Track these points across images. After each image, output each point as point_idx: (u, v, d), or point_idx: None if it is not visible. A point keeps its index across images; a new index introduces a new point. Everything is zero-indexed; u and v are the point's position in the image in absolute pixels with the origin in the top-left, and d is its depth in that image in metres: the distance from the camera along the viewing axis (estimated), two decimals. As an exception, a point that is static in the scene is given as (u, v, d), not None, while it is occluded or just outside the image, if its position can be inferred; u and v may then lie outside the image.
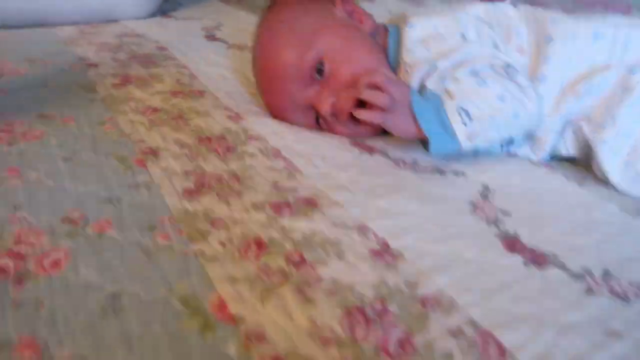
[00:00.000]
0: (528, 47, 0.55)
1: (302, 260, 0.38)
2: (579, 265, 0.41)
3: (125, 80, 0.69)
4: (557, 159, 0.58)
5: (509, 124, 0.51)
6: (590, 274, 0.40)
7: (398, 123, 0.51)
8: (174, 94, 0.66)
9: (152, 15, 1.02)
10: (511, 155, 0.58)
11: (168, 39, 0.87)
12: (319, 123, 0.59)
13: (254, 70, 0.62)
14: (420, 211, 0.46)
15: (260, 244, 0.40)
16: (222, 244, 0.39)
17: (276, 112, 0.61)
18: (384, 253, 0.40)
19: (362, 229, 0.42)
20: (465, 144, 0.50)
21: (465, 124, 0.49)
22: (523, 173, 0.54)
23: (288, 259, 0.38)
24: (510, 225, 0.45)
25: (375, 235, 0.42)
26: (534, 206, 0.48)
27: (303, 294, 0.35)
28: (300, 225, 0.42)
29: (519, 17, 0.57)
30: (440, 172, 0.53)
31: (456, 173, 0.53)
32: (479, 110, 0.49)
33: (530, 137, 0.56)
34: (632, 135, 0.51)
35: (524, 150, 0.57)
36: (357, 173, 0.51)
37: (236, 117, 0.62)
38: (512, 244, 0.43)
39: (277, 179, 0.49)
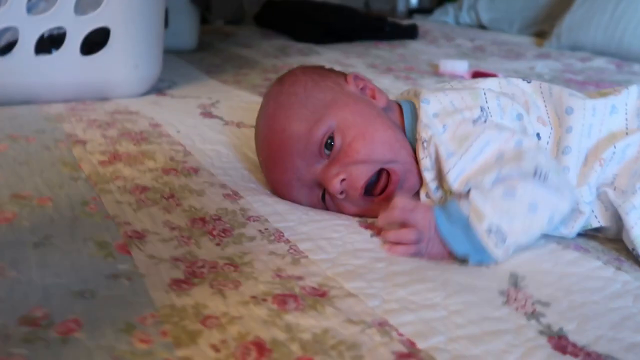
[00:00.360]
0: (547, 118, 0.53)
1: (315, 369, 0.31)
2: (644, 368, 0.34)
3: (114, 158, 0.65)
4: (586, 233, 0.53)
5: (544, 229, 0.48)
6: (660, 379, 0.33)
7: (431, 251, 0.46)
8: (166, 171, 0.62)
9: (147, 93, 1.01)
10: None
11: (163, 116, 0.84)
12: (325, 201, 0.55)
13: (257, 143, 0.58)
14: (448, 303, 0.39)
15: (261, 348, 0.33)
16: (216, 349, 0.32)
17: (279, 189, 0.57)
18: (411, 357, 0.33)
19: (383, 326, 0.36)
20: (502, 257, 0.46)
21: (498, 245, 0.45)
22: (553, 258, 0.48)
23: (297, 368, 0.31)
24: (552, 319, 0.39)
25: (399, 333, 0.35)
26: (574, 295, 0.42)
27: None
28: (309, 323, 0.35)
29: (533, 90, 0.56)
30: (462, 260, 0.47)
31: (479, 265, 0.47)
32: (510, 227, 0.45)
33: None
34: None
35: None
36: (371, 259, 0.45)
37: (233, 196, 0.56)
38: (560, 343, 0.36)
39: (281, 265, 0.43)
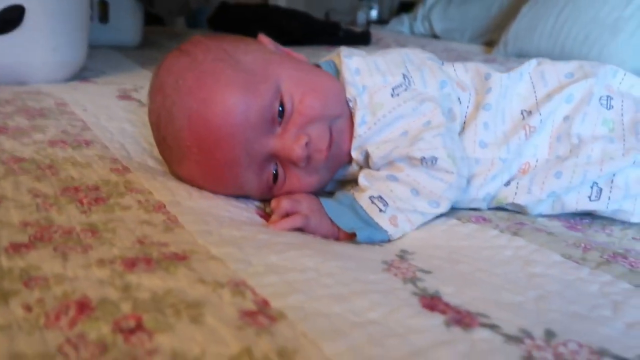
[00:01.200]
0: (468, 83, 0.54)
1: (138, 327, 0.27)
2: (515, 326, 0.32)
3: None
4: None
5: (429, 211, 0.47)
6: (530, 335, 0.31)
7: (317, 225, 0.45)
8: (53, 143, 0.57)
9: (69, 80, 0.96)
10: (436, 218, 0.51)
11: (74, 97, 0.79)
12: (276, 181, 0.48)
13: (173, 128, 0.46)
14: (321, 267, 0.36)
15: (83, 306, 0.29)
16: (27, 308, 0.28)
17: (218, 175, 0.47)
18: (259, 314, 0.29)
19: (239, 286, 0.32)
20: (391, 229, 0.45)
21: (382, 210, 0.45)
22: (448, 234, 0.46)
23: (117, 326, 0.27)
24: (430, 284, 0.36)
25: (255, 292, 0.32)
26: (460, 265, 0.40)
27: (120, 373, 0.24)
28: (152, 283, 0.32)
29: (450, 66, 0.56)
30: (355, 243, 0.45)
31: (372, 243, 0.45)
32: (393, 198, 0.46)
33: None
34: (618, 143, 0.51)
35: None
36: (255, 231, 0.42)
37: (122, 170, 0.52)
38: (431, 302, 0.34)
39: (148, 233, 0.39)
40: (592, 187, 0.49)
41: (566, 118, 0.52)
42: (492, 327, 0.31)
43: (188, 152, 0.46)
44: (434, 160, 0.45)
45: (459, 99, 0.53)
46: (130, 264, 0.34)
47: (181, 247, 0.37)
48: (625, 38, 1.49)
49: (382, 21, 2.80)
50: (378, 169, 0.48)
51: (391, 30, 2.37)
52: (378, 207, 0.45)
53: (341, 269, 0.36)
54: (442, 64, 0.56)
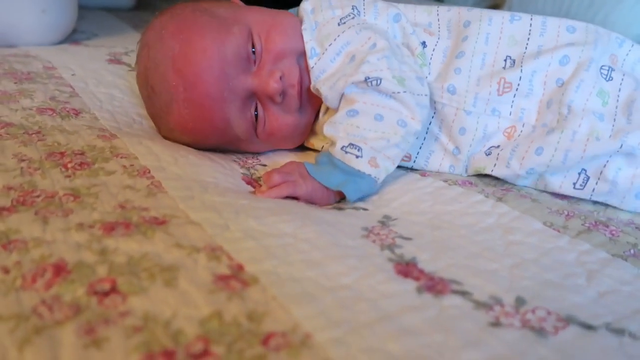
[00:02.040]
0: (437, 30, 0.53)
1: (112, 290, 0.28)
2: (486, 293, 0.32)
3: (-12, 96, 0.59)
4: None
5: (400, 132, 0.46)
6: (500, 302, 0.31)
7: (309, 191, 0.45)
8: (42, 110, 0.57)
9: (60, 43, 0.94)
10: (425, 177, 0.51)
11: (63, 60, 0.78)
12: (257, 119, 0.51)
13: (153, 78, 0.50)
14: (299, 232, 0.37)
15: (59, 269, 0.29)
16: (5, 270, 0.29)
17: (205, 109, 0.49)
18: (232, 279, 0.30)
19: (215, 251, 0.33)
20: (374, 172, 0.45)
21: (359, 156, 0.45)
22: (434, 197, 0.46)
23: (92, 288, 0.28)
24: (408, 250, 0.37)
25: (230, 257, 0.32)
26: (441, 231, 0.41)
27: (91, 334, 0.25)
28: (129, 247, 0.32)
29: (429, 12, 0.55)
30: (339, 208, 0.45)
31: (356, 208, 0.45)
32: (363, 138, 0.46)
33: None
34: (604, 119, 0.48)
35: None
36: (237, 197, 0.42)
37: (109, 136, 0.52)
38: (406, 268, 0.34)
39: (130, 198, 0.40)
40: (579, 174, 0.47)
41: (560, 82, 0.50)
42: (464, 293, 0.32)
43: (175, 92, 0.49)
44: (378, 80, 0.46)
45: (423, 42, 0.53)
46: (109, 228, 0.34)
47: (161, 212, 0.38)
48: (631, 4, 1.45)
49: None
50: (335, 107, 0.49)
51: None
52: (354, 155, 0.45)
53: (319, 234, 0.37)
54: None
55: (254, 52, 0.49)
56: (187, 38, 0.48)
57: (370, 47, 0.48)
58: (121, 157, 0.47)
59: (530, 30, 0.51)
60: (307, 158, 0.55)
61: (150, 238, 0.33)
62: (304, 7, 0.54)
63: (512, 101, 0.50)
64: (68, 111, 0.58)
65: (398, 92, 0.46)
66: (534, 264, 0.37)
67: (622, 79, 0.50)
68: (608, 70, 0.50)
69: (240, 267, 0.31)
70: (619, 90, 0.49)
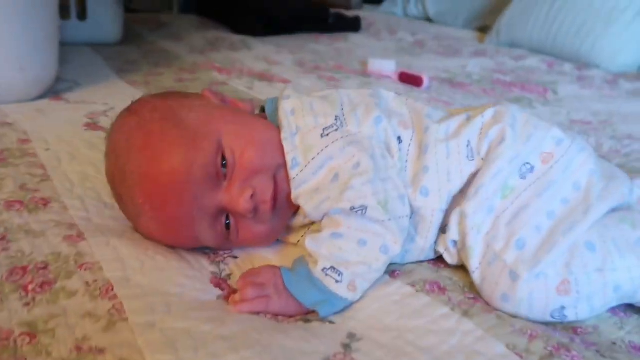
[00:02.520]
0: (410, 122, 0.54)
1: None
2: None
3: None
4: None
5: (382, 259, 0.47)
6: None
7: (283, 306, 0.46)
8: (10, 205, 0.56)
9: (41, 97, 0.94)
10: (394, 279, 0.50)
11: (39, 128, 0.78)
12: (230, 230, 0.50)
13: (127, 186, 0.48)
14: (256, 376, 0.36)
15: None
16: None
17: (173, 230, 0.49)
18: None
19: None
20: (351, 295, 0.46)
21: (338, 281, 0.45)
22: (399, 308, 0.46)
23: None
24: (366, 391, 0.37)
25: None
26: (402, 358, 0.40)
27: None
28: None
29: (398, 102, 0.56)
30: (306, 320, 0.45)
31: (323, 321, 0.45)
32: (345, 262, 0.46)
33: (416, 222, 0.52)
34: (493, 211, 0.49)
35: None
36: (201, 320, 0.42)
37: (76, 237, 0.52)
38: None
39: (89, 333, 0.40)
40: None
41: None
42: None
43: (142, 209, 0.48)
44: (363, 209, 0.46)
45: (399, 137, 0.52)
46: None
47: (117, 354, 0.38)
48: (619, 30, 1.44)
49: (376, 0, 2.72)
50: (318, 221, 0.49)
51: (384, 12, 2.30)
52: (334, 279, 0.45)
53: (276, 379, 0.37)
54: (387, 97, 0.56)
55: (224, 166, 0.48)
56: (153, 157, 0.46)
57: (354, 166, 0.47)
58: (85, 269, 0.47)
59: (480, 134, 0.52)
60: (283, 250, 0.55)
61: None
62: (284, 107, 0.52)
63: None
64: (37, 202, 0.58)
65: (383, 221, 0.46)
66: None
67: (534, 182, 0.50)
68: (527, 169, 0.50)
69: None
70: (524, 190, 0.50)
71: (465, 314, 0.46)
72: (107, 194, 0.62)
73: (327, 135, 0.49)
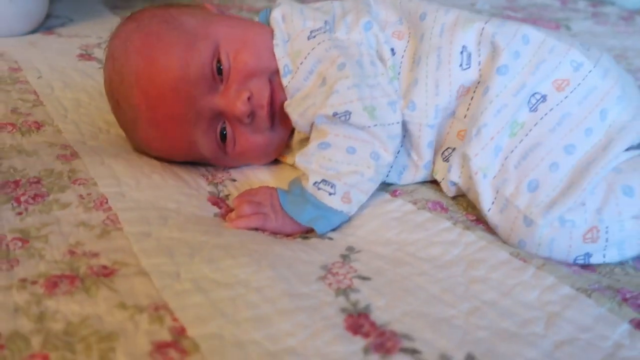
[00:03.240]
0: (406, 30, 0.51)
1: (44, 369, 0.27)
2: (437, 351, 0.31)
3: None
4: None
5: (373, 167, 0.45)
6: (448, 362, 0.30)
7: (279, 225, 0.45)
8: (1, 126, 0.55)
9: (33, 31, 0.91)
10: (395, 198, 0.49)
11: (30, 58, 0.75)
12: (225, 141, 0.49)
13: (125, 87, 0.47)
14: (252, 279, 0.36)
15: (-8, 344, 0.29)
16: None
17: (170, 130, 0.47)
18: (171, 347, 0.29)
19: (159, 310, 0.32)
20: (346, 208, 0.44)
21: (332, 193, 0.44)
22: (401, 224, 0.45)
23: (22, 368, 0.27)
24: (364, 295, 0.36)
25: (174, 318, 0.32)
26: (403, 267, 0.39)
27: None
28: (70, 309, 0.32)
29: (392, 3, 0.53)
30: (304, 237, 0.44)
31: (322, 237, 0.44)
32: (336, 173, 0.44)
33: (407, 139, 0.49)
34: (501, 151, 0.45)
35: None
36: (197, 231, 0.41)
37: (70, 156, 0.50)
38: (357, 323, 0.33)
39: (82, 239, 0.39)
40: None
41: (486, 89, 0.46)
42: (413, 352, 0.31)
43: (139, 111, 0.47)
44: (347, 115, 0.44)
45: (392, 49, 0.50)
46: (53, 284, 0.34)
47: (112, 258, 0.37)
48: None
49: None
50: (306, 132, 0.48)
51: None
52: (327, 192, 0.44)
53: (273, 281, 0.36)
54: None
55: (221, 70, 0.47)
56: (151, 55, 0.46)
57: (339, 67, 0.45)
58: (79, 184, 0.46)
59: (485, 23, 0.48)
60: (281, 172, 0.54)
61: (94, 297, 0.33)
62: (274, 15, 0.51)
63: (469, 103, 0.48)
64: (30, 125, 0.56)
65: (368, 127, 0.44)
66: (492, 308, 0.36)
67: (547, 113, 0.44)
68: (537, 100, 0.45)
69: (182, 331, 0.31)
70: (535, 125, 0.44)
71: (468, 228, 0.45)
72: (101, 120, 0.60)
73: (314, 37, 0.48)
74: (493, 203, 0.44)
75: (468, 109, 0.47)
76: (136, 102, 0.47)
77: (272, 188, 0.47)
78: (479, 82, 0.47)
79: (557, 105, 0.45)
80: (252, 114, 0.47)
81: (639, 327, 0.35)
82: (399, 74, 0.49)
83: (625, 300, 0.37)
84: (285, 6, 0.51)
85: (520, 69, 0.46)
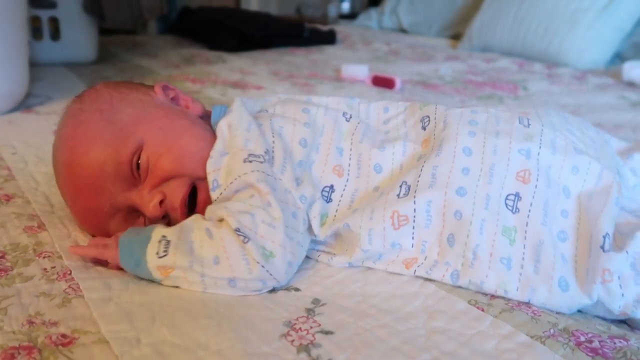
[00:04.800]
0: (347, 168, 0.51)
1: None
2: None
3: None
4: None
5: (218, 284, 0.42)
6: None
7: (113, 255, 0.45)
8: (-29, 201, 0.56)
9: (10, 111, 0.94)
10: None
11: (8, 136, 0.78)
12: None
13: (56, 170, 0.50)
14: (213, 343, 0.36)
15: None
16: None
17: (88, 220, 0.49)
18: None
19: (116, 378, 0.32)
20: (159, 278, 0.43)
21: (161, 256, 0.42)
22: (365, 277, 0.46)
23: None
24: (326, 350, 0.36)
25: (131, 386, 0.31)
26: (365, 320, 0.40)
27: None
28: (24, 382, 0.31)
29: (347, 131, 0.52)
30: (270, 291, 0.44)
31: (289, 289, 0.44)
32: (185, 253, 0.42)
33: None
34: (511, 263, 0.44)
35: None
36: (160, 295, 0.42)
37: (37, 228, 0.51)
38: (316, 379, 0.33)
39: (42, 309, 0.39)
40: None
41: (459, 215, 0.44)
42: (371, 406, 0.31)
43: (64, 195, 0.50)
44: (246, 239, 0.41)
45: (332, 186, 0.50)
46: (10, 356, 0.33)
47: (71, 326, 0.37)
48: (583, 30, 1.49)
49: (354, 15, 2.78)
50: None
51: (359, 25, 2.35)
52: (157, 250, 0.43)
53: (233, 342, 0.36)
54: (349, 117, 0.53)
55: (139, 166, 0.47)
56: (75, 148, 0.47)
57: (266, 205, 0.43)
58: (44, 257, 0.46)
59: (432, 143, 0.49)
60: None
61: (49, 367, 0.32)
62: (221, 124, 0.50)
63: (413, 233, 0.46)
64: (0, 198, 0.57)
65: (257, 263, 0.41)
66: (451, 358, 0.36)
67: (530, 209, 0.44)
68: (514, 200, 0.45)
69: (138, 397, 0.30)
70: (527, 225, 0.44)
71: (430, 281, 0.46)
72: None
73: (251, 162, 0.46)
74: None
75: (413, 238, 0.46)
76: (64, 190, 0.50)
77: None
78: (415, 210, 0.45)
79: (534, 197, 0.45)
80: (167, 215, 0.47)
81: (592, 372, 0.35)
82: (336, 211, 0.49)
83: (578, 345, 0.38)
84: (234, 115, 0.50)
85: (477, 182, 0.45)
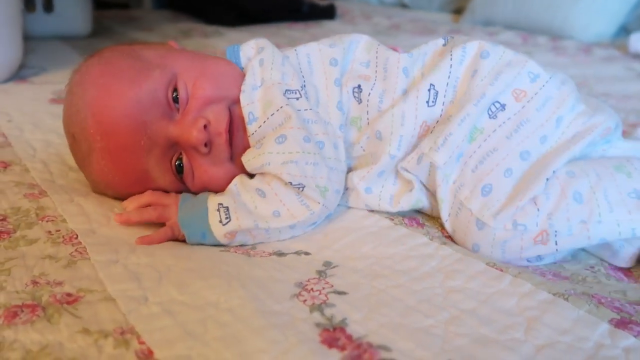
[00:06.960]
0: (374, 74, 0.51)
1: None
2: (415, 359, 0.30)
3: None
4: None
5: (278, 228, 0.44)
6: (428, 371, 0.29)
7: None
8: (-33, 167, 0.54)
9: (4, 81, 0.91)
10: (372, 213, 0.49)
11: (2, 104, 0.75)
12: (183, 173, 0.47)
13: (74, 125, 0.46)
14: (223, 300, 0.35)
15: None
16: None
17: (122, 161, 0.46)
18: (136, 371, 0.28)
19: (125, 334, 0.31)
20: (226, 241, 0.44)
21: (223, 224, 0.43)
22: (378, 238, 0.45)
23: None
24: (339, 310, 0.35)
25: (141, 341, 0.30)
26: (379, 281, 0.39)
27: None
28: (30, 338, 0.30)
29: (367, 47, 0.53)
30: (280, 254, 0.43)
31: (298, 253, 0.43)
32: (245, 214, 0.44)
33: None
34: (462, 157, 0.46)
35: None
36: (167, 256, 0.40)
37: (37, 194, 0.49)
38: (332, 336, 0.32)
39: (47, 270, 0.37)
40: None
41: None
42: (391, 362, 0.30)
43: (93, 141, 0.46)
44: (301, 187, 0.43)
45: (359, 85, 0.50)
46: (12, 314, 0.32)
47: (76, 286, 0.36)
48: (589, 2, 1.45)
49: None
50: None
51: (359, 1, 2.30)
52: (219, 218, 0.43)
53: (244, 301, 0.35)
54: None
55: (177, 99, 0.46)
56: (105, 83, 0.45)
57: (305, 139, 0.44)
58: (47, 221, 0.45)
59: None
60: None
61: (56, 324, 0.31)
62: (252, 62, 0.50)
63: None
64: (-4, 165, 0.55)
65: (317, 203, 0.44)
66: (471, 316, 0.35)
67: (505, 122, 0.46)
68: (497, 108, 0.46)
69: (149, 354, 0.29)
70: (494, 131, 0.46)
71: (444, 244, 0.45)
72: (71, 159, 0.59)
73: (289, 98, 0.47)
74: (451, 208, 0.45)
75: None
76: (91, 132, 0.45)
77: (175, 197, 0.47)
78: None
79: (515, 114, 0.46)
80: (209, 143, 0.46)
81: (618, 326, 0.34)
82: (367, 113, 0.50)
83: (601, 303, 0.37)
84: (267, 52, 0.50)
85: (480, 81, 0.47)
